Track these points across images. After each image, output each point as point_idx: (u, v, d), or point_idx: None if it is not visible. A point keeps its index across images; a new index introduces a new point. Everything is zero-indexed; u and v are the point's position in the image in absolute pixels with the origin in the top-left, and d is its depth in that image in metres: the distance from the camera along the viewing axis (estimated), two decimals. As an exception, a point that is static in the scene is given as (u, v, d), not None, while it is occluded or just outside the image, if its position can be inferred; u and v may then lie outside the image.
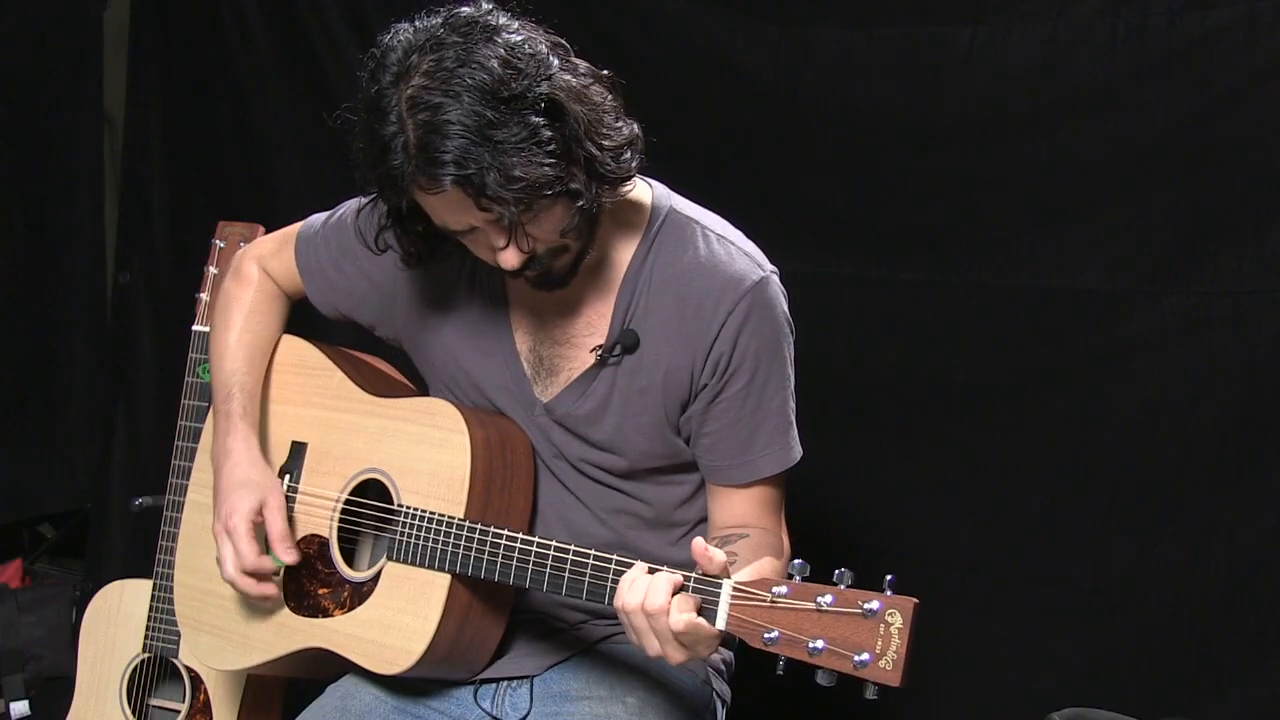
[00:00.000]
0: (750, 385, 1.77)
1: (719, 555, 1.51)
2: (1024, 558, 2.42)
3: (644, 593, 1.51)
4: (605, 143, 1.63)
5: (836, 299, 2.54)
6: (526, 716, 1.85)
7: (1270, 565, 2.20)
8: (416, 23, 1.61)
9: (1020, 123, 2.37)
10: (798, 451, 1.83)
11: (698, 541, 1.52)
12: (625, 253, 1.78)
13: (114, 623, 2.41)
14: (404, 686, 1.87)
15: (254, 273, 2.03)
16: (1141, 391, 2.30)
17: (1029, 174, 2.37)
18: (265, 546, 1.85)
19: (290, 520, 1.88)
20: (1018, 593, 2.43)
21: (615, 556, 1.58)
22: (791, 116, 2.59)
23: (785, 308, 1.80)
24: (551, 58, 1.59)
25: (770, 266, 1.79)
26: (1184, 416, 2.26)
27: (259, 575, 1.83)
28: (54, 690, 3.21)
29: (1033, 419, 2.41)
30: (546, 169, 1.54)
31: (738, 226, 1.84)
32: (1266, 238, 2.18)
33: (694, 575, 1.51)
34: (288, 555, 1.84)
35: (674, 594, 1.50)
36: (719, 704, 1.95)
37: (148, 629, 2.35)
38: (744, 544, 1.77)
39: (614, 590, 1.56)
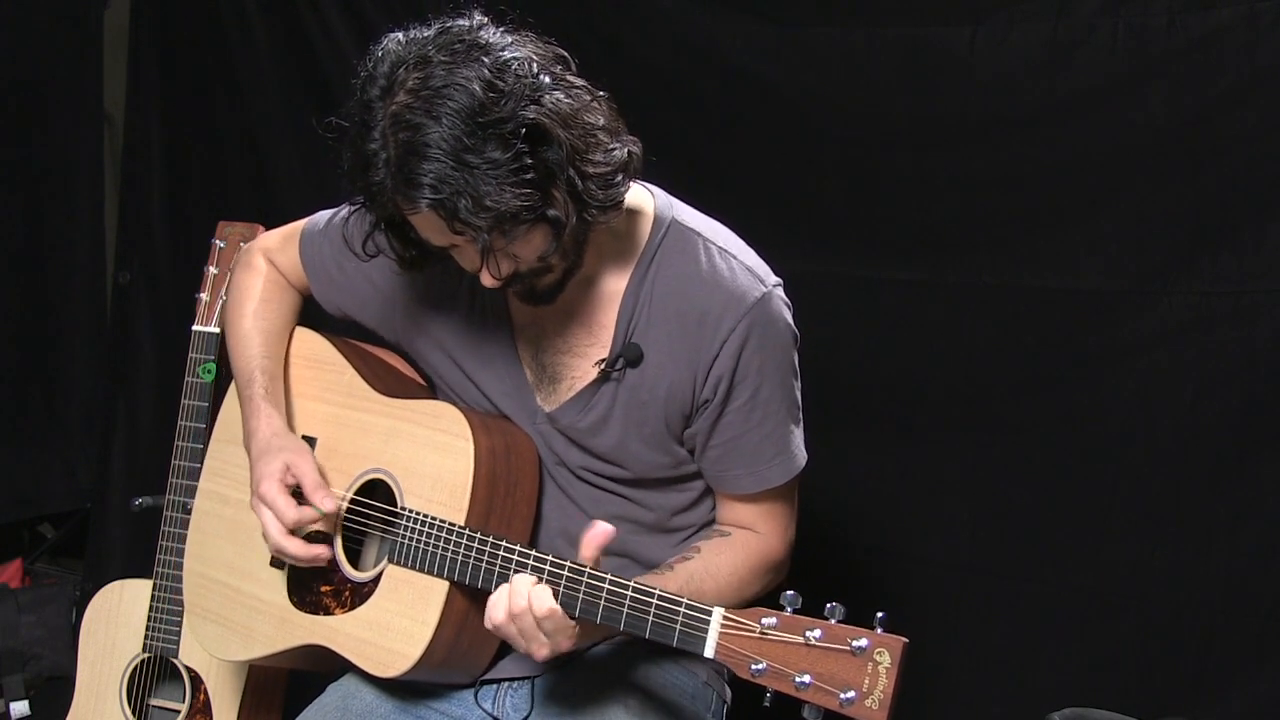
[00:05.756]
0: (754, 399, 1.77)
1: (586, 550, 1.58)
2: (1024, 558, 2.42)
3: (507, 601, 1.58)
4: (591, 169, 1.60)
5: (836, 299, 2.54)
6: (528, 718, 1.85)
7: (1270, 565, 2.20)
8: (410, 32, 1.60)
9: (1020, 123, 2.37)
10: (803, 458, 1.84)
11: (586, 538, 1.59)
12: (628, 264, 1.77)
13: (114, 623, 2.41)
14: (405, 686, 1.86)
15: (261, 264, 2.04)
16: (1142, 391, 2.30)
17: (1029, 174, 2.37)
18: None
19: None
20: (1018, 593, 2.43)
21: (610, 575, 1.58)
22: (791, 116, 2.59)
23: (789, 319, 1.79)
24: (543, 78, 1.57)
25: (774, 279, 1.78)
26: (1184, 416, 2.26)
27: (303, 533, 1.80)
28: (54, 690, 3.21)
29: (1033, 419, 2.41)
30: (521, 196, 1.53)
31: (737, 227, 1.84)
32: (1266, 238, 2.18)
33: (549, 561, 1.59)
34: (326, 502, 1.80)
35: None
36: (720, 705, 1.95)
37: (148, 629, 2.35)
38: (714, 542, 1.80)
39: (607, 607, 1.56)
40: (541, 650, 1.60)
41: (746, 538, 1.82)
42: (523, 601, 1.58)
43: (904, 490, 2.54)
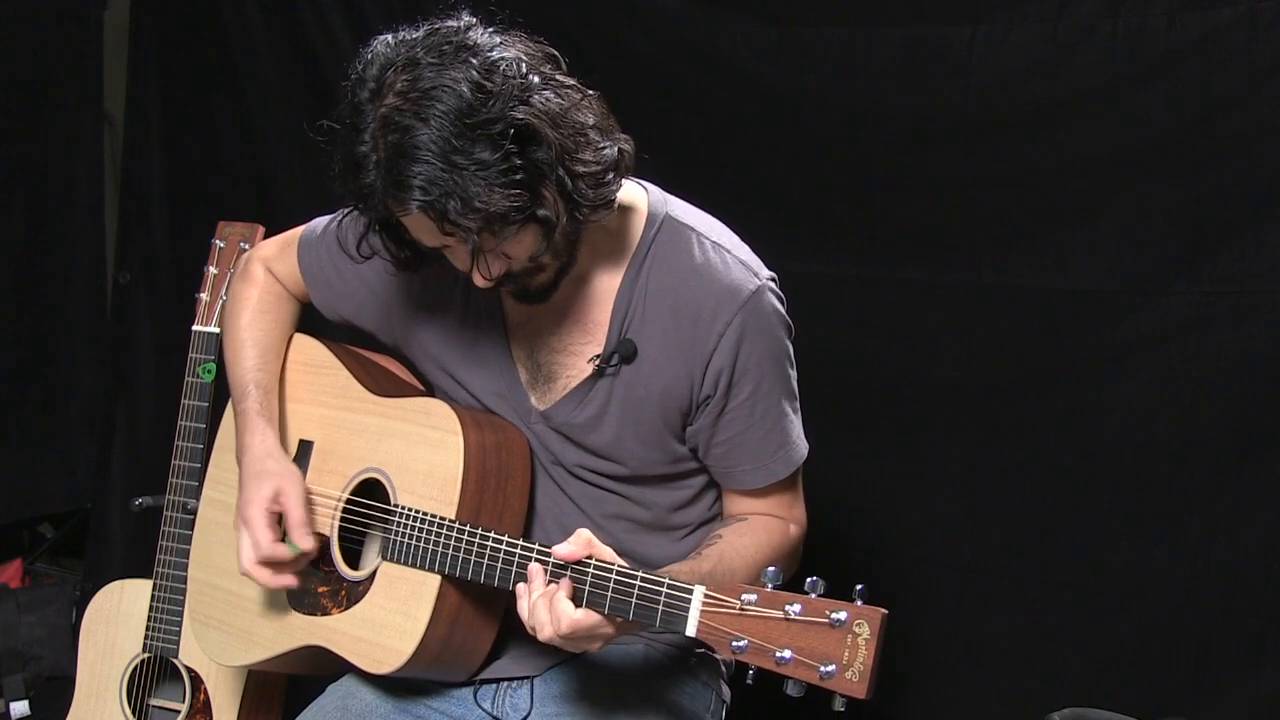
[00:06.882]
0: (756, 394, 1.77)
1: (571, 548, 1.57)
2: (1024, 558, 2.42)
3: (547, 623, 1.56)
4: (581, 169, 1.60)
5: (836, 299, 2.54)
6: (527, 717, 1.85)
7: (1270, 565, 2.20)
8: (399, 34, 1.60)
9: (1020, 123, 2.37)
10: (804, 446, 1.84)
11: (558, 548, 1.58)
12: (621, 260, 1.77)
13: (114, 623, 2.41)
14: (404, 686, 1.87)
15: (259, 273, 2.03)
16: (1142, 391, 2.30)
17: (1029, 174, 2.37)
18: (285, 536, 1.84)
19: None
20: (1018, 593, 2.43)
21: (594, 560, 1.58)
22: (791, 116, 2.58)
23: (783, 311, 1.79)
24: (532, 77, 1.57)
25: (767, 273, 1.78)
26: (1184, 416, 2.26)
27: (275, 565, 1.81)
28: (54, 690, 3.21)
29: (1033, 419, 2.41)
30: (510, 197, 1.53)
31: (737, 227, 1.84)
32: (1266, 238, 2.18)
33: (535, 550, 1.61)
34: (305, 541, 1.81)
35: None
36: (719, 705, 1.95)
37: (148, 629, 2.35)
38: (733, 527, 1.80)
39: (592, 595, 1.56)
40: (593, 646, 1.61)
41: (765, 520, 1.83)
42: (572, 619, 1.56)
43: (904, 490, 2.54)
